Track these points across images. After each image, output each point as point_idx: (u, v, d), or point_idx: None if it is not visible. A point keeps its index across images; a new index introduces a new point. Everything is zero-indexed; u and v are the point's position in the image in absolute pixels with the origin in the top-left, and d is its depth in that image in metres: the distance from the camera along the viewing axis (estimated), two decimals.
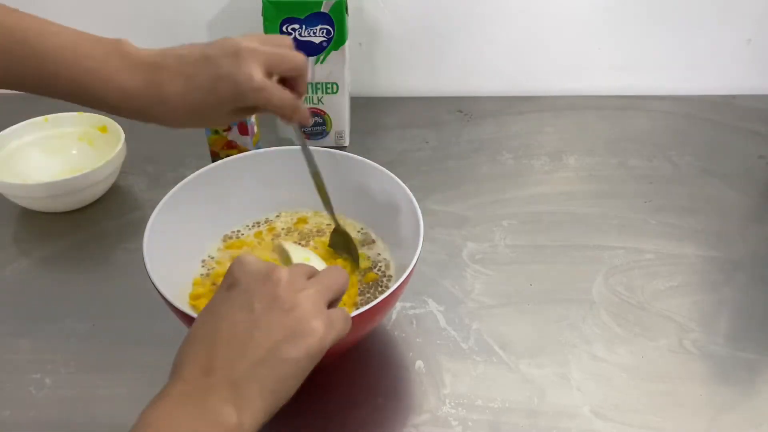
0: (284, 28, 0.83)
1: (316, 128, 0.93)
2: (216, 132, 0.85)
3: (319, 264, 0.60)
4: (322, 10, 0.82)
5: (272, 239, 0.71)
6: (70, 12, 1.00)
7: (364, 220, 0.72)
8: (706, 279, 0.74)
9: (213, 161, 0.88)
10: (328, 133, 0.93)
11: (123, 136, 0.84)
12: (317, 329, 0.41)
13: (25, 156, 0.85)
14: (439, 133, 0.98)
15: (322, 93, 0.89)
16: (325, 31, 0.84)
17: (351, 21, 0.87)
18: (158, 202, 0.61)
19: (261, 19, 0.83)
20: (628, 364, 0.65)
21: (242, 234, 0.71)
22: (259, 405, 0.39)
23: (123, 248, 0.78)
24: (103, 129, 0.88)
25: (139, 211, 0.83)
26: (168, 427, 0.37)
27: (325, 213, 0.69)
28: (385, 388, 0.63)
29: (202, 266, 0.68)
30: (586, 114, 1.03)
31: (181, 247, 0.65)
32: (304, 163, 0.65)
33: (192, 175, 0.67)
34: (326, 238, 0.70)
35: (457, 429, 0.59)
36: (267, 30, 0.83)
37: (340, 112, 0.91)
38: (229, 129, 0.85)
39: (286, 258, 0.60)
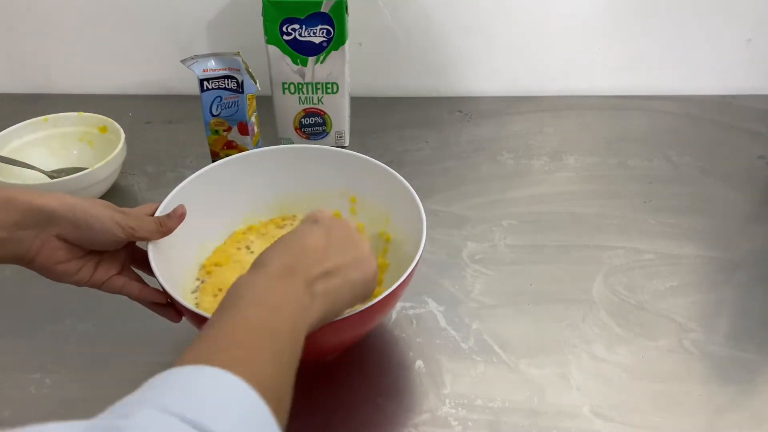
0: (284, 28, 0.83)
1: (316, 128, 0.93)
2: (216, 132, 0.85)
3: None
4: (322, 10, 0.82)
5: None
6: (70, 13, 1.01)
7: (366, 217, 0.72)
8: (706, 279, 0.74)
9: (213, 161, 0.88)
10: (328, 133, 0.93)
11: (123, 136, 0.84)
12: (374, 267, 0.52)
13: (25, 156, 0.85)
14: (439, 133, 0.98)
15: (322, 93, 0.89)
16: (325, 31, 0.84)
17: (351, 21, 0.87)
18: (158, 202, 0.60)
19: (261, 19, 0.83)
20: (628, 364, 0.65)
21: (252, 233, 0.72)
22: (320, 304, 0.46)
23: None
24: (103, 129, 0.88)
25: None
26: (261, 292, 0.44)
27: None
28: (385, 388, 0.63)
29: (207, 266, 0.68)
30: (586, 114, 1.03)
31: (184, 245, 0.65)
32: (308, 161, 0.65)
33: (194, 175, 0.67)
34: None
35: (457, 429, 0.59)
36: (267, 30, 0.83)
37: (340, 112, 0.91)
38: (229, 129, 0.85)
39: None
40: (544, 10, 1.00)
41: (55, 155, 0.88)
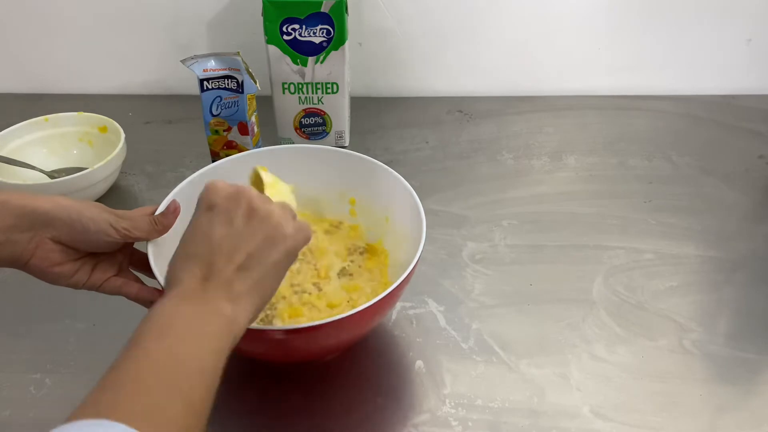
0: (284, 28, 0.83)
1: (316, 128, 0.93)
2: (216, 132, 0.85)
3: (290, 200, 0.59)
4: (322, 10, 0.82)
5: None
6: (70, 13, 1.01)
7: (366, 217, 0.72)
8: (706, 279, 0.74)
9: (213, 161, 0.88)
10: (328, 133, 0.93)
11: (123, 136, 0.84)
12: (290, 231, 0.48)
13: (25, 156, 0.85)
14: (439, 133, 0.98)
15: (322, 93, 0.89)
16: (325, 31, 0.84)
17: (351, 21, 0.87)
18: (158, 202, 0.60)
19: (261, 19, 0.83)
20: (628, 364, 0.65)
21: None
22: (248, 302, 0.45)
23: None
24: (103, 129, 0.88)
25: None
26: (175, 316, 0.42)
27: (326, 215, 0.69)
28: (385, 388, 0.63)
29: None
30: (586, 114, 1.03)
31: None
32: (307, 161, 0.65)
33: (193, 175, 0.67)
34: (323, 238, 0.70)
35: (457, 429, 0.59)
36: (267, 30, 0.83)
37: (340, 112, 0.91)
38: (229, 129, 0.85)
39: (259, 185, 0.58)
40: (544, 10, 0.99)
41: (55, 155, 0.88)
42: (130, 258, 0.59)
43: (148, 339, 0.40)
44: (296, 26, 0.83)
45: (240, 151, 0.87)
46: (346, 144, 0.95)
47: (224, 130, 0.85)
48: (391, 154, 0.93)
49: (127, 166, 0.87)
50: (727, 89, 1.06)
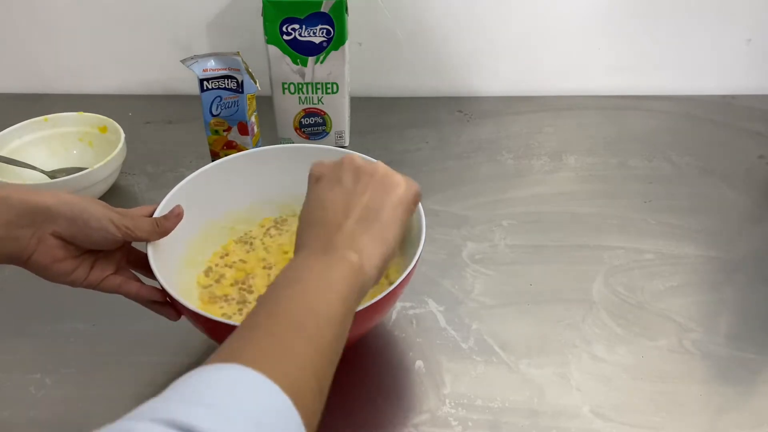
0: (284, 28, 0.83)
1: (316, 128, 0.93)
2: (216, 132, 0.85)
3: None
4: (322, 10, 0.82)
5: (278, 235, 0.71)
6: (70, 13, 1.01)
7: None
8: (706, 279, 0.74)
9: (213, 161, 0.88)
10: (327, 133, 0.93)
11: (123, 136, 0.84)
12: (400, 181, 0.50)
13: (25, 156, 0.85)
14: (439, 133, 0.98)
15: (322, 93, 0.89)
16: (325, 31, 0.84)
17: (351, 21, 0.87)
18: (158, 202, 0.60)
19: (261, 19, 0.83)
20: (628, 364, 0.65)
21: (252, 232, 0.72)
22: (374, 251, 0.46)
23: None
24: (103, 129, 0.88)
25: None
26: (304, 268, 0.43)
27: None
28: (385, 388, 0.63)
29: (206, 265, 0.68)
30: (586, 114, 1.03)
31: (184, 246, 0.65)
32: (305, 160, 0.65)
33: (191, 175, 0.67)
34: None
35: (457, 429, 0.59)
36: (267, 30, 0.83)
37: (340, 112, 0.91)
38: (229, 129, 0.85)
39: None
40: (544, 10, 0.99)
41: (55, 155, 0.88)
42: (128, 257, 0.59)
43: (279, 289, 0.42)
44: (296, 26, 0.83)
45: (240, 151, 0.86)
46: (346, 144, 0.95)
47: (224, 130, 0.85)
48: (391, 154, 0.93)
49: (127, 166, 0.87)
50: (727, 89, 1.06)
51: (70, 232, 0.52)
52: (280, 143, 0.93)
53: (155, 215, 0.59)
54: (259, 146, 0.90)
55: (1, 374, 0.64)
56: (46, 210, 0.51)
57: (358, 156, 0.52)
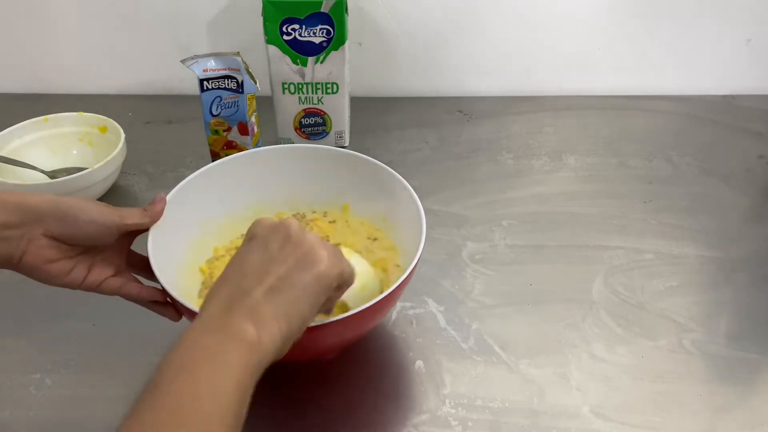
0: (284, 28, 0.83)
1: (316, 128, 0.93)
2: (216, 132, 0.85)
3: (359, 263, 0.60)
4: (322, 10, 0.82)
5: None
6: (70, 13, 1.01)
7: (366, 217, 0.72)
8: (706, 279, 0.74)
9: (213, 161, 0.88)
10: (327, 134, 0.93)
11: (123, 136, 0.84)
12: (323, 257, 0.46)
13: (25, 156, 0.85)
14: (439, 133, 0.98)
15: (322, 93, 0.89)
16: (325, 31, 0.84)
17: (351, 21, 0.87)
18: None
19: (261, 19, 0.83)
20: (628, 364, 0.65)
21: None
22: (275, 326, 0.43)
23: None
24: (103, 129, 0.88)
25: None
26: (195, 349, 0.40)
27: (325, 216, 0.71)
28: (385, 388, 0.63)
29: (207, 266, 0.68)
30: (586, 114, 1.03)
31: (185, 245, 0.65)
32: (306, 160, 0.65)
33: (192, 174, 0.67)
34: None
35: (457, 429, 0.59)
36: (267, 30, 0.83)
37: (340, 112, 0.91)
38: (229, 129, 0.85)
39: None
40: (544, 10, 0.99)
41: (55, 155, 0.88)
42: (127, 259, 0.59)
43: (167, 378, 0.39)
44: (296, 26, 0.83)
45: (240, 151, 0.87)
46: (346, 144, 0.95)
47: (224, 130, 0.85)
48: (391, 154, 0.93)
49: (127, 166, 0.87)
50: (727, 89, 1.06)
51: (62, 230, 0.52)
52: (280, 143, 0.93)
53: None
54: (260, 146, 0.90)
55: (1, 374, 0.64)
56: (35, 208, 0.51)
57: (296, 223, 0.48)
